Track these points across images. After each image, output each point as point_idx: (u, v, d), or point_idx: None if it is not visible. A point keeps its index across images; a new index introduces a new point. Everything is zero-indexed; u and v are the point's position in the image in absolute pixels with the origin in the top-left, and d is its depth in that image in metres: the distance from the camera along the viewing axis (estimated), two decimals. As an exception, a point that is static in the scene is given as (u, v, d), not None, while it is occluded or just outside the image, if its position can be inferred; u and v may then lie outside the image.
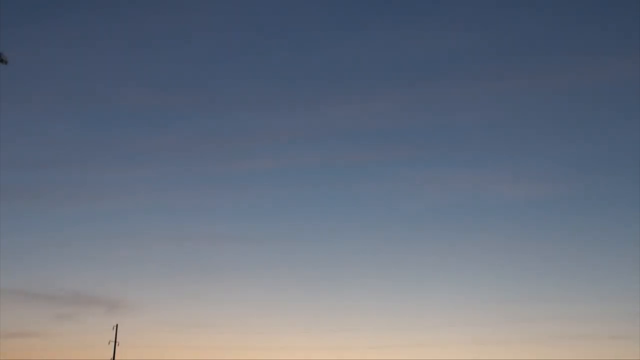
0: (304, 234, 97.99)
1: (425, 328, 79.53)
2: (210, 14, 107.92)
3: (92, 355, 76.14)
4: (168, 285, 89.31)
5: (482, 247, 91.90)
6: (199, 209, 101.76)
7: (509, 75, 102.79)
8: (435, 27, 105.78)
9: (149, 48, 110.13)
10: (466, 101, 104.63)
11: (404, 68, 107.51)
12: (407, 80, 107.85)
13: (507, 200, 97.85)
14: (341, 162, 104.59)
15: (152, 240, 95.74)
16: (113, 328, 67.38)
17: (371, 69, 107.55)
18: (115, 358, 66.79)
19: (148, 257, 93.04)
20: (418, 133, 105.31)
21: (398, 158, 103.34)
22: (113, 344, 66.92)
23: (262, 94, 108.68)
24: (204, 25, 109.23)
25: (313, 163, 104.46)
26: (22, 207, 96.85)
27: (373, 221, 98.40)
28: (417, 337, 78.86)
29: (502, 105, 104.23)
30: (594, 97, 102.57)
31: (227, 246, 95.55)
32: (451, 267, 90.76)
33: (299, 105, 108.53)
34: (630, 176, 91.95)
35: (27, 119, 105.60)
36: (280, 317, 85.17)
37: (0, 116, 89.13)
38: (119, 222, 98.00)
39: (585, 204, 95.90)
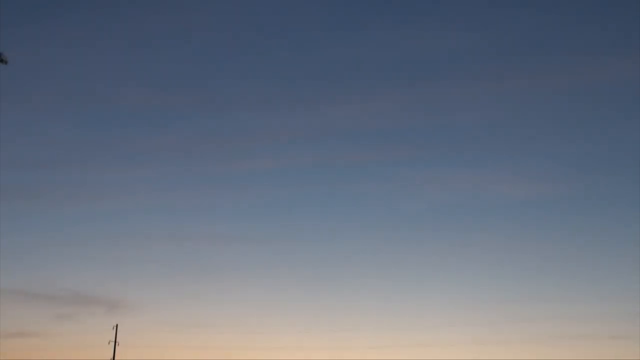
0: (304, 234, 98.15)
1: (425, 328, 79.64)
2: (210, 14, 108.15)
3: (92, 355, 76.21)
4: (168, 285, 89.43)
5: (482, 247, 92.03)
6: (199, 209, 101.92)
7: (509, 75, 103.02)
8: (435, 27, 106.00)
9: (149, 48, 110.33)
10: (466, 101, 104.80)
11: (404, 68, 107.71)
12: (407, 80, 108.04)
13: (507, 200, 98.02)
14: (341, 162, 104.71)
15: (152, 240, 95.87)
16: (113, 328, 67.43)
17: (371, 69, 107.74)
18: (115, 358, 66.85)
19: (148, 257, 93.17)
20: (418, 133, 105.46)
21: (398, 158, 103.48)
22: (113, 344, 67.01)
23: (262, 94, 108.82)
24: (204, 25, 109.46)
25: (313, 163, 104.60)
26: (22, 207, 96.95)
27: (373, 221, 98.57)
28: (417, 337, 78.96)
29: (502, 105, 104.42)
30: (594, 97, 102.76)
31: (227, 246, 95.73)
32: (451, 267, 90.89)
33: (299, 105, 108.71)
34: (630, 176, 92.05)
35: (27, 119, 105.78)
36: (280, 317, 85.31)
37: (0, 116, 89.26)
38: (119, 222, 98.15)
39: (585, 204, 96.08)
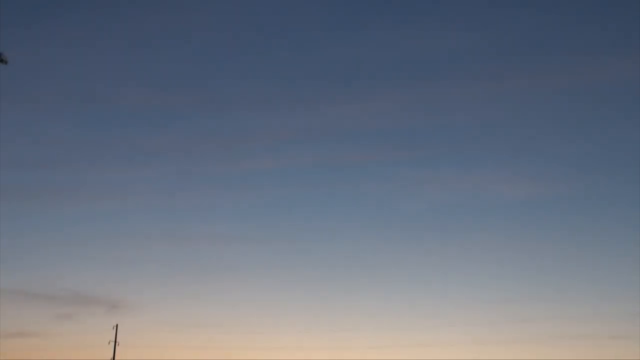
0: (304, 234, 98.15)
1: (425, 328, 79.63)
2: (210, 14, 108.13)
3: (92, 355, 76.19)
4: (168, 285, 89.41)
5: (482, 247, 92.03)
6: (199, 209, 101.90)
7: (509, 75, 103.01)
8: (435, 27, 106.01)
9: (149, 48, 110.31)
10: (466, 101, 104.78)
11: (404, 68, 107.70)
12: (407, 80, 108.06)
13: (507, 200, 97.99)
14: (341, 162, 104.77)
15: (152, 240, 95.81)
16: (113, 328, 67.50)
17: (371, 69, 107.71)
18: (115, 358, 66.89)
19: (148, 257, 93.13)
20: (418, 133, 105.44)
21: (398, 158, 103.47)
22: (113, 344, 67.06)
23: (262, 94, 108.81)
24: (204, 25, 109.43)
25: (313, 163, 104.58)
26: (22, 207, 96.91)
27: (373, 221, 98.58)
28: (417, 337, 78.98)
29: (502, 105, 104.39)
30: (594, 97, 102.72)
31: (227, 246, 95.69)
32: (451, 267, 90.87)
33: (299, 105, 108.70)
34: (630, 176, 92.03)
35: (27, 119, 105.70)
36: (280, 317, 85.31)
37: (0, 116, 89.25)
38: (119, 222, 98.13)
39: (585, 204, 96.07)
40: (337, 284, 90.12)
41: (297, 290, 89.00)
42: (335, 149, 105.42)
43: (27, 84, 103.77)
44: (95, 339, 77.09)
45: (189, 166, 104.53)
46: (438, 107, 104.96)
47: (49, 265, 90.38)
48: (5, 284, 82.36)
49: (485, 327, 77.89)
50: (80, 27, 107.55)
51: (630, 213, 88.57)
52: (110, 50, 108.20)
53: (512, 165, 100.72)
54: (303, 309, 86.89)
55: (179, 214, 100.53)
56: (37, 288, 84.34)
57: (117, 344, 66.97)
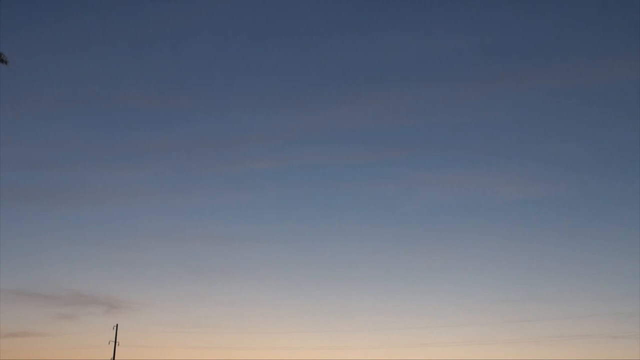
0: (304, 234, 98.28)
1: (425, 328, 79.67)
2: (210, 14, 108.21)
3: (92, 355, 76.41)
4: (168, 285, 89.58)
5: (482, 247, 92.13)
6: (199, 209, 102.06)
7: (509, 75, 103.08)
8: (435, 28, 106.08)
9: (149, 49, 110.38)
10: (466, 102, 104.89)
11: (404, 69, 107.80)
12: (407, 81, 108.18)
13: (506, 200, 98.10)
14: (341, 162, 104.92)
15: (152, 240, 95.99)
16: (113, 328, 67.63)
17: (371, 71, 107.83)
18: (115, 358, 66.97)
19: (148, 257, 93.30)
20: (418, 133, 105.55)
21: (398, 158, 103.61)
22: (113, 344, 67.14)
23: (262, 94, 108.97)
24: (204, 25, 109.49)
25: (313, 163, 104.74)
26: (22, 207, 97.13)
27: (373, 221, 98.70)
28: (416, 337, 79.07)
29: (502, 106, 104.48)
30: (594, 97, 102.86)
31: (227, 246, 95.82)
32: (451, 267, 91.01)
33: (299, 105, 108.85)
34: (630, 176, 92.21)
35: (27, 119, 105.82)
36: (280, 317, 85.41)
37: (0, 116, 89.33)
38: (119, 222, 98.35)
39: (585, 204, 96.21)
40: (337, 284, 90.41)
41: (297, 290, 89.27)
42: (335, 149, 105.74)
43: (28, 84, 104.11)
44: (95, 339, 77.40)
45: (189, 166, 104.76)
46: (438, 107, 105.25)
47: (49, 266, 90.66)
48: (6, 284, 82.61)
49: (485, 327, 78.00)
50: (81, 29, 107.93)
51: (630, 213, 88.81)
52: (110, 52, 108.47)
53: (512, 165, 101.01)
54: (303, 309, 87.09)
55: (179, 214, 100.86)
56: (37, 288, 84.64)
57: (117, 344, 67.13)
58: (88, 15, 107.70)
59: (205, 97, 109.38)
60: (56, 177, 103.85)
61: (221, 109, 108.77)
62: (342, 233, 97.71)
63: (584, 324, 75.84)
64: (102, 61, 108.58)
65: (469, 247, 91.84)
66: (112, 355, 66.92)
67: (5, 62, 31.51)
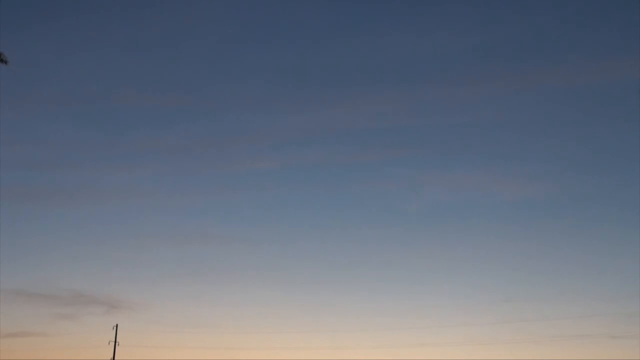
0: (304, 234, 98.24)
1: (425, 328, 79.68)
2: (210, 14, 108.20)
3: (92, 355, 76.42)
4: (168, 285, 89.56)
5: (482, 247, 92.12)
6: (198, 209, 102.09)
7: (509, 75, 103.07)
8: (435, 27, 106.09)
9: (149, 49, 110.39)
10: (466, 102, 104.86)
11: (404, 68, 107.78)
12: (407, 81, 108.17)
13: (506, 200, 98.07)
14: (341, 162, 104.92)
15: (152, 240, 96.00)
16: (113, 328, 67.64)
17: (371, 70, 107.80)
18: (115, 358, 66.98)
19: (148, 257, 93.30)
20: (418, 133, 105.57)
21: (398, 158, 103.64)
22: (113, 344, 67.15)
23: (262, 94, 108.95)
24: (204, 25, 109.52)
25: (313, 163, 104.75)
26: (22, 207, 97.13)
27: (373, 221, 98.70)
28: (417, 337, 79.06)
29: (502, 106, 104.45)
30: (593, 97, 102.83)
31: (227, 246, 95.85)
32: (451, 267, 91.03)
33: (299, 105, 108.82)
34: (630, 176, 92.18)
35: (28, 119, 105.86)
36: (280, 317, 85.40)
37: (0, 116, 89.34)
38: (119, 222, 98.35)
39: (585, 204, 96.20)
40: (337, 284, 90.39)
41: (297, 290, 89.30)
42: (335, 149, 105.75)
43: (28, 84, 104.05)
44: (95, 339, 77.37)
45: (189, 166, 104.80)
46: (438, 107, 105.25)
47: (49, 266, 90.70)
48: (6, 284, 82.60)
49: (485, 327, 78.01)
50: (81, 29, 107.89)
51: (630, 213, 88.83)
52: (110, 52, 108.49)
53: (512, 165, 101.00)
54: (303, 309, 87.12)
55: (179, 214, 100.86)
56: (37, 288, 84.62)
57: (117, 344, 67.15)
58: (88, 16, 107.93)
59: (205, 97, 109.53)
60: (56, 177, 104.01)
61: (221, 109, 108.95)
62: (342, 233, 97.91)
63: (584, 324, 75.92)
64: (102, 61, 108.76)
65: (469, 247, 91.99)
66: (112, 355, 67.01)
67: (5, 62, 31.51)
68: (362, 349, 75.79)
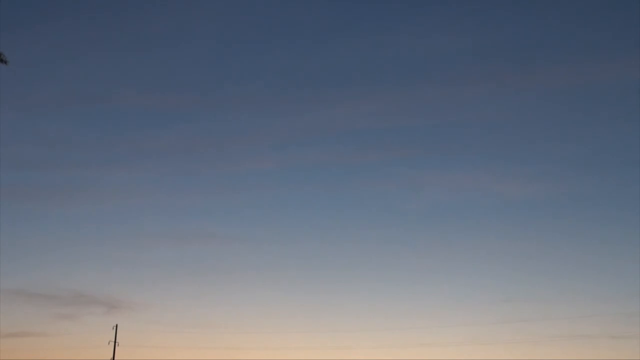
0: (304, 234, 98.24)
1: (425, 328, 79.69)
2: (210, 16, 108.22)
3: (92, 355, 76.36)
4: (168, 285, 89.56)
5: (482, 247, 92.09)
6: (199, 209, 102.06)
7: (509, 76, 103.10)
8: (435, 27, 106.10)
9: (149, 49, 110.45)
10: (466, 102, 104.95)
11: (404, 68, 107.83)
12: (406, 81, 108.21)
13: (506, 200, 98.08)
14: (341, 162, 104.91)
15: (152, 240, 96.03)
16: (113, 328, 67.64)
17: (370, 70, 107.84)
18: (115, 358, 66.97)
19: (148, 257, 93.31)
20: (418, 133, 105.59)
21: (398, 158, 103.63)
22: (113, 344, 67.14)
23: (262, 94, 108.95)
24: (204, 26, 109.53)
25: (313, 163, 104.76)
26: (22, 207, 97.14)
27: (373, 221, 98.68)
28: (417, 337, 79.05)
29: (502, 106, 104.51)
30: (594, 97, 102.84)
31: (227, 246, 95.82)
32: (451, 267, 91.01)
33: (298, 105, 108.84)
34: (630, 176, 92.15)
35: (28, 119, 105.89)
36: (281, 317, 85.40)
37: (0, 116, 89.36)
38: (119, 222, 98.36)
39: (585, 204, 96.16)
40: (337, 284, 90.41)
41: (297, 290, 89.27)
42: (335, 149, 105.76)
43: (28, 84, 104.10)
44: (95, 339, 77.34)
45: (188, 166, 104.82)
46: (437, 107, 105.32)
47: (49, 266, 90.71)
48: (6, 284, 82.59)
49: (485, 327, 78.02)
50: (81, 29, 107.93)
51: (630, 213, 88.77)
52: (110, 52, 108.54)
53: (512, 165, 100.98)
54: (303, 309, 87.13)
55: (179, 214, 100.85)
56: (37, 288, 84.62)
57: (117, 344, 67.14)
58: (88, 16, 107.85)
59: (205, 97, 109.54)
60: (56, 177, 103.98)
61: (221, 109, 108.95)
62: (342, 233, 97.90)
63: (584, 324, 75.92)
64: (102, 61, 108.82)
65: (469, 247, 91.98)
66: (112, 355, 67.01)
67: (5, 62, 31.51)
68: (362, 349, 75.88)
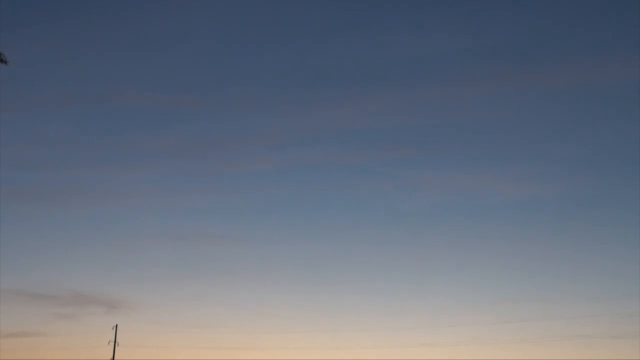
0: (304, 235, 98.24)
1: (426, 328, 79.70)
2: (210, 15, 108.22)
3: (92, 355, 76.30)
4: (168, 285, 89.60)
5: (482, 247, 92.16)
6: (199, 210, 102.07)
7: (509, 76, 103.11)
8: (435, 27, 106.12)
9: (149, 50, 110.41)
10: (466, 102, 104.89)
11: (404, 68, 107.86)
12: (406, 81, 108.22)
13: (507, 200, 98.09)
14: (341, 162, 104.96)
15: (152, 241, 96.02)
16: (113, 328, 67.66)
17: (371, 70, 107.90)
18: (115, 358, 66.98)
19: (148, 257, 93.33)
20: (418, 133, 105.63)
21: (398, 158, 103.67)
22: (113, 344, 67.16)
23: (262, 94, 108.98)
24: (204, 28, 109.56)
25: (313, 163, 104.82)
26: (22, 207, 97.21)
27: (373, 221, 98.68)
28: (417, 337, 79.05)
29: (502, 106, 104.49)
30: (594, 97, 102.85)
31: (227, 247, 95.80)
32: (451, 267, 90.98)
33: (298, 105, 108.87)
34: (630, 177, 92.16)
35: (28, 119, 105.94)
36: (280, 317, 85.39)
37: (0, 116, 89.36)
38: (119, 223, 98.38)
39: (585, 204, 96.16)
40: (337, 284, 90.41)
41: (297, 290, 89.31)
42: (335, 149, 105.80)
43: (28, 84, 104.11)
44: (95, 339, 77.34)
45: (189, 166, 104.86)
46: (437, 108, 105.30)
47: (49, 266, 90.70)
48: (6, 284, 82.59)
49: (485, 327, 78.04)
50: (81, 29, 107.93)
51: (630, 213, 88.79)
52: (110, 52, 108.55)
53: (512, 165, 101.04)
54: (303, 309, 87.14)
55: (179, 214, 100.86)
56: (37, 288, 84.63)
57: (117, 344, 67.16)
58: (88, 16, 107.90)
59: (205, 97, 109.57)
60: (56, 177, 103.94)
61: (221, 109, 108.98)
62: (342, 233, 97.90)
63: (584, 324, 75.94)
64: (102, 61, 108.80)
65: (469, 247, 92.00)
66: (112, 355, 67.02)
67: (5, 62, 31.53)
68: (362, 349, 75.90)
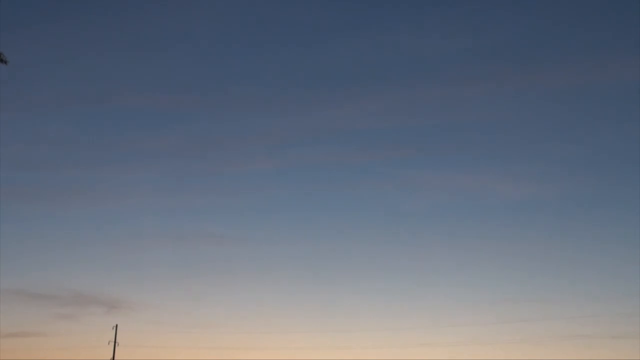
0: (304, 235, 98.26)
1: (425, 328, 79.70)
2: (210, 15, 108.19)
3: (92, 355, 76.28)
4: (168, 285, 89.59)
5: (482, 247, 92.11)
6: (199, 210, 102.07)
7: (509, 76, 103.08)
8: (435, 27, 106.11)
9: (149, 50, 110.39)
10: (466, 102, 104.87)
11: (404, 68, 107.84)
12: (406, 81, 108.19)
13: (507, 200, 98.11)
14: (341, 162, 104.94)
15: (152, 241, 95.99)
16: (113, 328, 67.67)
17: (371, 70, 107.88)
18: (115, 358, 66.98)
19: (148, 257, 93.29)
20: (418, 133, 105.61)
21: (398, 158, 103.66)
22: (113, 344, 67.16)
23: (261, 94, 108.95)
24: (204, 28, 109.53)
25: (313, 163, 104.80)
26: (23, 207, 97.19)
27: (373, 221, 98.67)
28: (417, 337, 79.05)
29: (502, 106, 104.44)
30: (594, 97, 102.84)
31: (227, 247, 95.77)
32: (451, 267, 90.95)
33: (298, 105, 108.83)
34: (630, 177, 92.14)
35: (28, 119, 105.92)
36: (281, 317, 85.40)
37: (0, 116, 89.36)
38: (119, 223, 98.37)
39: (585, 204, 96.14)
40: (337, 284, 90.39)
41: (297, 290, 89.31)
42: (335, 149, 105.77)
43: (28, 84, 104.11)
44: (95, 339, 77.31)
45: (188, 167, 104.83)
46: (438, 108, 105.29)
47: (50, 266, 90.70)
48: (6, 284, 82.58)
49: (485, 327, 78.04)
50: (81, 29, 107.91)
51: (630, 213, 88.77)
52: (110, 52, 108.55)
53: (513, 166, 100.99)
54: (303, 309, 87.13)
55: (179, 214, 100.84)
56: (37, 288, 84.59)
57: (117, 344, 67.16)
58: (88, 16, 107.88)
59: (205, 97, 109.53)
60: (56, 177, 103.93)
61: (221, 109, 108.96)
62: (342, 233, 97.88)
63: (584, 324, 75.95)
64: (102, 61, 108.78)
65: (469, 247, 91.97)
66: (112, 355, 67.02)
67: (5, 62, 31.55)
68: (362, 349, 75.90)
